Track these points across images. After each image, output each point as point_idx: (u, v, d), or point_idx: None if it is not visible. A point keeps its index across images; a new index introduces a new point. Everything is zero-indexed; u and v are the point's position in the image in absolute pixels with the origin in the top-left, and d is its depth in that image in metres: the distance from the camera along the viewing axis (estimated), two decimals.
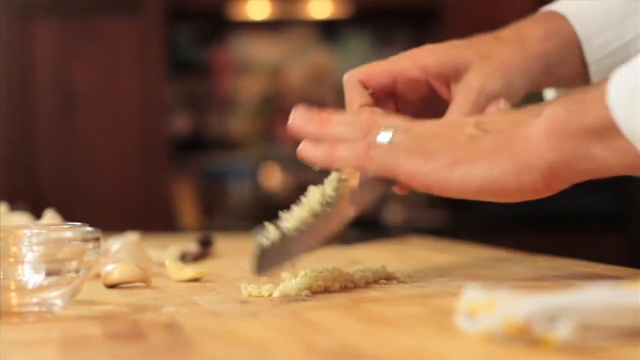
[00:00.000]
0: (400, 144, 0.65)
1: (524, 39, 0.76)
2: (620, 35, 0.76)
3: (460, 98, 0.74)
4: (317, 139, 0.69)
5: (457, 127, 0.65)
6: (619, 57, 0.76)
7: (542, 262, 0.83)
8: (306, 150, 0.70)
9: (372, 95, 0.76)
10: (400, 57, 0.77)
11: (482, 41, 0.77)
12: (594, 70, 0.77)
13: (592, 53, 0.77)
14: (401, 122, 0.67)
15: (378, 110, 0.73)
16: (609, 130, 0.57)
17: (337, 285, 0.66)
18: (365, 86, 0.76)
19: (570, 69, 0.77)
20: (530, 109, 0.63)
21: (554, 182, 0.61)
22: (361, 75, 0.77)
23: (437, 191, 0.64)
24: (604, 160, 0.59)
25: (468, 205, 2.60)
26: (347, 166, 0.67)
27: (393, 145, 0.65)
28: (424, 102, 0.78)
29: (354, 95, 0.77)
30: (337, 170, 0.69)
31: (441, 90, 0.76)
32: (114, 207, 2.94)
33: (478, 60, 0.75)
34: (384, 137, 0.66)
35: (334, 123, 0.70)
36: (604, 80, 0.58)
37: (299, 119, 0.72)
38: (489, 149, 0.62)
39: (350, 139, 0.67)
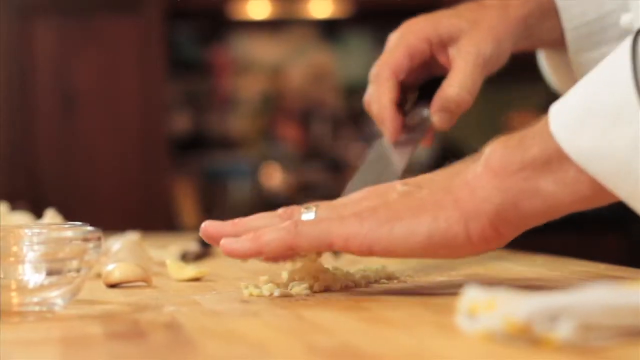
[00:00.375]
0: (328, 214, 0.62)
1: (507, 4, 0.78)
2: (598, 6, 0.77)
3: (461, 62, 0.76)
4: (237, 235, 0.62)
5: (386, 188, 0.62)
6: (596, 28, 0.77)
7: (542, 261, 0.83)
8: (228, 246, 0.61)
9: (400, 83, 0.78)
10: (404, 35, 0.79)
11: (469, 8, 0.79)
12: (571, 37, 0.78)
13: (569, 19, 0.78)
14: (320, 202, 0.65)
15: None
16: (554, 159, 0.54)
17: (338, 285, 0.66)
18: (395, 77, 0.77)
19: (549, 33, 0.78)
20: (463, 160, 0.60)
21: (503, 227, 0.57)
22: (392, 67, 0.77)
23: (380, 252, 0.59)
24: (554, 196, 0.55)
25: None
26: (277, 250, 0.60)
27: (321, 217, 0.62)
28: (424, 69, 0.80)
29: (384, 89, 0.77)
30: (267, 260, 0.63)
31: (440, 57, 0.78)
32: (114, 206, 2.94)
33: (469, 27, 0.76)
34: (308, 215, 0.63)
35: (251, 219, 0.65)
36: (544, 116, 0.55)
37: (210, 225, 0.64)
38: (429, 201, 0.58)
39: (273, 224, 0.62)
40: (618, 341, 0.42)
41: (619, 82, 0.52)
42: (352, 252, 0.60)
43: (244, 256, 0.62)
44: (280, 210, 0.65)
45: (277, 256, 0.62)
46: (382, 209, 0.59)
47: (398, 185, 0.61)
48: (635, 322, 0.43)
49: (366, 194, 0.63)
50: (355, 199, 0.63)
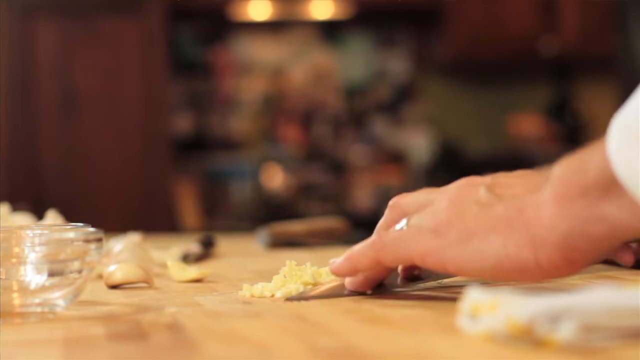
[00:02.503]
0: (413, 225, 0.61)
1: None
2: None
3: None
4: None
5: (471, 191, 0.60)
6: None
7: None
8: (333, 268, 0.65)
9: None
10: None
11: None
12: None
13: None
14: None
15: None
16: (612, 183, 0.51)
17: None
18: None
19: None
20: (547, 168, 0.57)
21: (573, 255, 0.54)
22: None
23: (453, 271, 0.59)
24: (620, 221, 0.52)
25: None
26: (367, 265, 0.62)
27: (404, 231, 0.61)
28: None
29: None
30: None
31: None
32: (116, 207, 2.94)
33: None
34: (400, 225, 0.63)
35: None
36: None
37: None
38: (502, 221, 0.57)
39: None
40: (619, 342, 0.42)
41: None
42: (430, 268, 0.61)
43: (345, 275, 0.64)
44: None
45: (368, 269, 0.63)
46: (457, 226, 0.58)
47: (481, 191, 0.59)
48: (636, 323, 0.43)
49: (452, 198, 0.60)
50: (442, 206, 0.60)
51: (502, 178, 0.60)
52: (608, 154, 0.51)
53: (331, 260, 0.65)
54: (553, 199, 0.54)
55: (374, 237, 0.62)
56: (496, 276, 0.58)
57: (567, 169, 0.54)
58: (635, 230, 0.52)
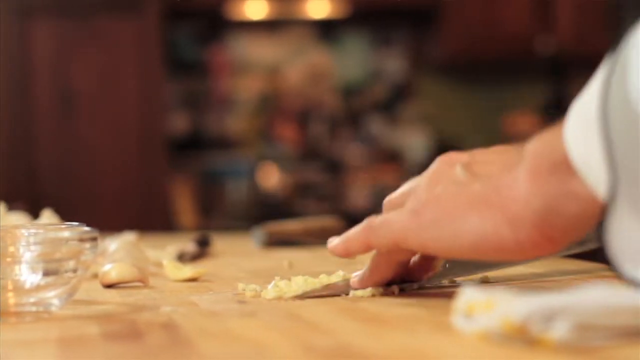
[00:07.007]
0: (400, 208, 0.61)
1: None
2: None
3: None
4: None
5: (449, 170, 0.60)
6: None
7: (540, 261, 0.83)
8: (330, 249, 0.66)
9: None
10: None
11: None
12: None
13: None
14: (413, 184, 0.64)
15: None
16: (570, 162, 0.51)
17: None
18: None
19: None
20: (524, 144, 0.57)
21: (552, 233, 0.53)
22: None
23: (434, 252, 0.60)
24: (588, 199, 0.51)
25: None
26: (359, 248, 0.63)
27: (391, 214, 0.61)
28: None
29: None
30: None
31: None
32: (112, 206, 2.94)
33: None
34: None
35: None
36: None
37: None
38: (479, 199, 0.56)
39: None
40: (614, 341, 0.42)
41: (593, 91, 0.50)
42: (413, 249, 0.61)
43: (341, 256, 0.65)
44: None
45: (360, 252, 0.64)
46: (435, 206, 0.58)
47: (458, 170, 0.59)
48: (631, 322, 0.43)
49: (430, 178, 0.60)
50: (420, 188, 0.60)
51: (480, 155, 0.60)
52: (565, 138, 0.51)
53: (330, 239, 0.66)
54: (527, 176, 0.53)
55: (365, 221, 0.63)
56: (475, 255, 0.57)
57: (539, 146, 0.53)
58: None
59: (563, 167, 0.51)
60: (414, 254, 0.64)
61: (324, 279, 0.66)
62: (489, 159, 0.59)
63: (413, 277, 0.67)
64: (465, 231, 0.56)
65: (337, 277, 0.67)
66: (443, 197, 0.58)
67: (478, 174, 0.58)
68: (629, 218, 0.48)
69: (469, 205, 0.56)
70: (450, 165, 0.60)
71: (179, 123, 3.39)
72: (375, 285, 0.64)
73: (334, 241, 0.65)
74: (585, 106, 0.51)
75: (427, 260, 0.66)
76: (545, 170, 0.52)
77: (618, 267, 0.48)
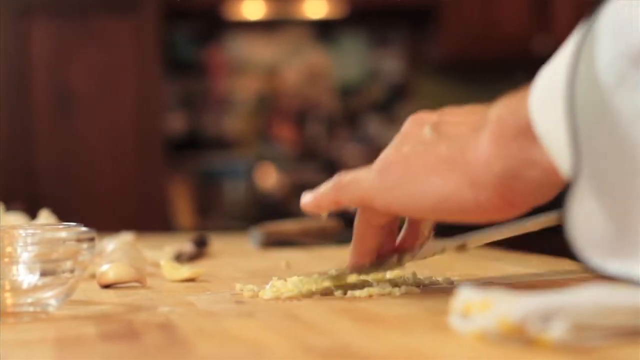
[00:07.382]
0: (371, 167, 0.62)
1: None
2: None
3: None
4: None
5: (417, 130, 0.60)
6: None
7: (537, 261, 0.83)
8: (302, 204, 0.67)
9: None
10: None
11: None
12: None
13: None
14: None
15: None
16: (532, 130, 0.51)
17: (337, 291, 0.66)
18: None
19: None
20: (491, 106, 0.57)
21: (512, 197, 0.53)
22: None
23: (398, 211, 0.60)
24: (548, 167, 0.51)
25: None
26: (328, 205, 0.64)
27: (361, 172, 0.62)
28: None
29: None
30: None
31: None
32: (110, 206, 2.94)
33: None
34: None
35: None
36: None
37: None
38: (443, 160, 0.56)
39: None
40: (612, 341, 0.42)
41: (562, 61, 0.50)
42: (378, 209, 0.61)
43: (312, 210, 0.66)
44: None
45: (330, 208, 0.64)
46: (401, 166, 0.59)
47: (427, 130, 0.59)
48: (628, 322, 0.43)
49: (399, 138, 0.61)
50: (389, 148, 0.61)
51: (449, 115, 0.61)
52: (530, 105, 0.51)
53: (303, 194, 0.66)
54: (490, 139, 0.54)
55: (336, 176, 0.64)
56: (438, 216, 0.58)
57: (505, 110, 0.54)
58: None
59: (526, 133, 0.51)
60: (390, 215, 0.64)
61: (318, 279, 0.66)
62: (458, 119, 0.59)
63: (405, 249, 0.67)
64: (428, 192, 0.57)
65: (329, 278, 0.67)
66: (409, 157, 0.59)
67: (446, 135, 0.58)
68: (590, 199, 0.48)
69: (434, 167, 0.57)
70: (419, 125, 0.61)
71: (176, 123, 3.39)
72: (365, 254, 0.64)
73: (306, 196, 0.66)
74: (552, 75, 0.51)
75: (414, 227, 0.66)
76: (508, 135, 0.53)
77: (577, 250, 0.48)
